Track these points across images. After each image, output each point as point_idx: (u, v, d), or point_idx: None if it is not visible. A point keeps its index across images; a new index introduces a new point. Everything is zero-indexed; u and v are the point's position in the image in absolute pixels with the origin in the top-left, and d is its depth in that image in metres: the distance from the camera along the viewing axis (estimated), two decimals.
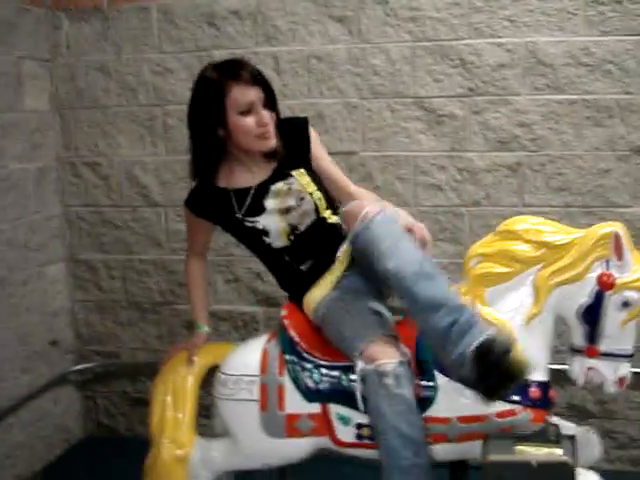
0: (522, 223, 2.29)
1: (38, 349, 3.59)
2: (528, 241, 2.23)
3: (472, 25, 3.24)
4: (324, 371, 2.34)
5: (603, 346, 2.19)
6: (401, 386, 2.14)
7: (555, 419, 2.37)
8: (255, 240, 2.48)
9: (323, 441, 2.36)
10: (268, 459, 2.41)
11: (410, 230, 2.23)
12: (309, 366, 2.36)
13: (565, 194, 3.27)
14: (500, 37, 3.22)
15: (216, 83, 2.35)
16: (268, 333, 2.53)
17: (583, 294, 2.19)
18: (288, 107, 3.37)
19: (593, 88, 3.20)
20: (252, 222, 2.45)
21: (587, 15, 3.15)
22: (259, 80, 2.38)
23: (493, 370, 1.92)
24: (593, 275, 2.18)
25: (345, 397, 2.28)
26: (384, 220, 2.15)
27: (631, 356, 2.21)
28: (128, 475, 2.58)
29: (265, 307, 3.60)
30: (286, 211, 2.43)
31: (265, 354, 2.41)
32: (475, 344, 1.94)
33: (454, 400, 2.21)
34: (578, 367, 2.24)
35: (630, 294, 2.15)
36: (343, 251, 2.44)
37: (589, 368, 2.22)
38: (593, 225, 2.26)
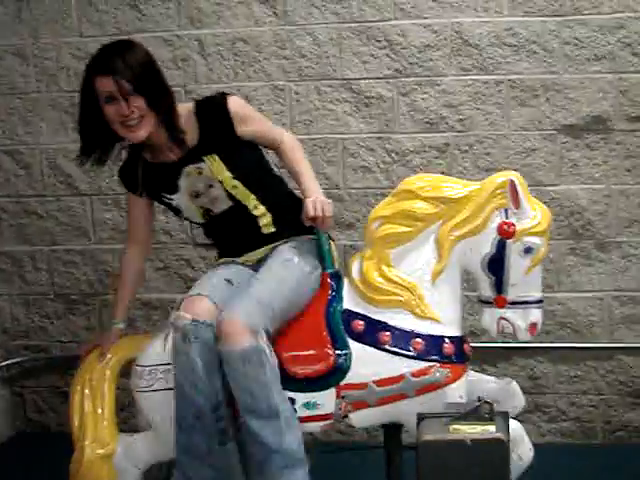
0: (418, 181, 2.31)
1: None
2: (426, 198, 2.25)
3: (398, 6, 3.23)
4: None
5: (511, 295, 2.22)
6: (186, 344, 2.20)
7: (472, 373, 2.42)
8: (176, 215, 2.56)
9: None
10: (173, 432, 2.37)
11: (314, 219, 2.29)
12: None
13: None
14: (426, 18, 3.23)
15: (85, 76, 2.33)
16: None
17: (485, 245, 2.22)
18: (215, 91, 3.31)
19: (518, 68, 3.23)
20: (168, 199, 2.48)
21: None
22: (118, 69, 2.26)
23: None
24: (493, 225, 2.21)
25: None
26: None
27: (540, 302, 2.25)
28: (62, 471, 2.51)
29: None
30: (195, 194, 2.43)
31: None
32: None
33: (369, 365, 2.23)
34: (489, 318, 2.27)
35: (531, 239, 2.19)
36: (259, 252, 2.48)
37: (500, 318, 2.25)
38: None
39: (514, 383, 2.42)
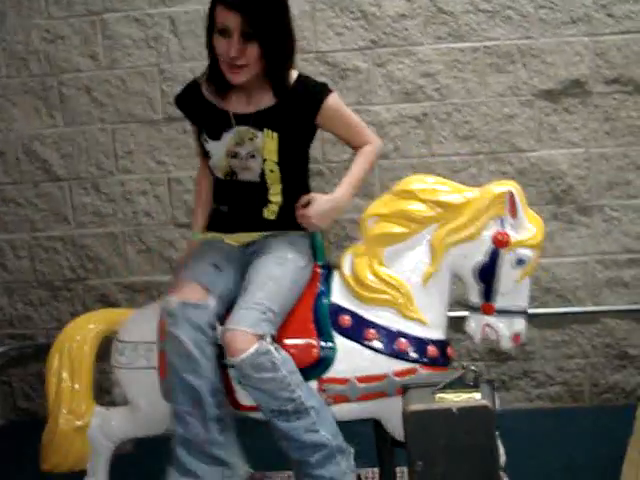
0: (418, 183, 2.29)
1: None
2: (424, 201, 2.24)
3: None
4: None
5: (498, 303, 2.23)
6: (176, 326, 2.18)
7: None
8: (204, 156, 2.44)
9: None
10: (171, 425, 2.34)
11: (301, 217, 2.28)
12: None
13: (472, 142, 3.29)
14: None
15: (210, 2, 2.23)
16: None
17: (479, 253, 2.22)
18: (189, 70, 3.28)
19: (494, 34, 3.22)
20: (204, 140, 2.38)
21: None
22: (243, 7, 2.14)
23: None
24: (488, 234, 2.21)
25: None
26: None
27: (525, 312, 2.26)
28: None
29: None
30: (233, 154, 2.34)
31: (163, 320, 2.35)
32: None
33: (352, 360, 2.23)
34: (475, 324, 2.28)
35: (524, 252, 2.19)
36: (250, 236, 2.42)
37: (485, 325, 2.26)
38: (496, 181, 2.30)
39: None
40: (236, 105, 2.34)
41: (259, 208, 2.40)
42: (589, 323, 3.39)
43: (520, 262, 2.19)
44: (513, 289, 2.22)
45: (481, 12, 3.19)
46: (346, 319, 2.27)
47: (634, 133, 3.26)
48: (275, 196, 2.38)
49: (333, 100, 2.33)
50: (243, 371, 2.12)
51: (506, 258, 2.19)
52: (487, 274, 2.22)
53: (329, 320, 2.27)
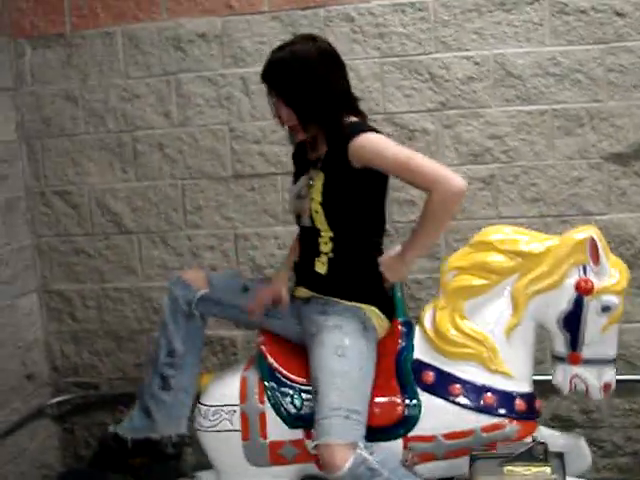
0: (496, 233, 2.27)
1: (13, 383, 3.50)
2: (503, 251, 2.22)
3: (439, 39, 3.24)
4: (305, 396, 2.31)
5: (586, 353, 2.17)
6: (167, 295, 2.52)
7: (543, 429, 2.35)
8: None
9: (309, 467, 2.32)
10: None
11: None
12: (290, 392, 2.32)
13: (540, 204, 3.26)
14: (468, 50, 3.22)
15: None
16: (245, 361, 2.49)
17: (562, 301, 2.17)
18: (259, 129, 3.35)
19: (562, 97, 3.21)
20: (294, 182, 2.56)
21: (553, 25, 3.16)
22: (266, 76, 2.41)
23: None
24: (571, 281, 2.17)
25: None
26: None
27: (614, 361, 2.19)
28: None
29: (244, 331, 3.55)
30: (298, 196, 2.46)
31: (244, 382, 2.37)
32: None
33: (438, 417, 2.18)
34: (561, 375, 2.22)
35: (609, 298, 2.14)
36: (305, 292, 2.47)
37: (573, 376, 2.19)
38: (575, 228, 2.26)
39: (583, 441, 2.34)
40: (311, 154, 2.46)
41: (312, 258, 2.42)
42: None
43: (605, 309, 2.14)
44: (600, 338, 2.16)
45: (550, 75, 3.19)
46: (430, 375, 2.24)
47: None
48: (325, 245, 2.39)
49: (363, 140, 2.27)
50: None
51: (591, 305, 2.14)
52: (572, 323, 2.16)
53: (412, 377, 2.24)
